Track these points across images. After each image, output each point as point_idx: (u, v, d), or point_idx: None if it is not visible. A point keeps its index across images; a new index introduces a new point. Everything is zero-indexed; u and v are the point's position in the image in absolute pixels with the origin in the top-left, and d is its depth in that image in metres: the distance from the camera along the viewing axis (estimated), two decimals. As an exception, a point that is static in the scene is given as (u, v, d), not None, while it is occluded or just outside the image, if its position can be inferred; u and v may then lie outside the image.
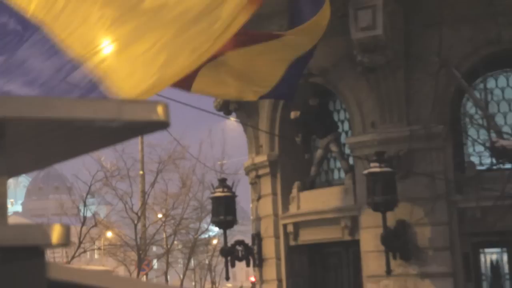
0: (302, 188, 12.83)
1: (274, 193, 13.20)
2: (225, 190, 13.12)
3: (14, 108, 1.58)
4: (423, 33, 11.40)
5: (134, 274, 28.32)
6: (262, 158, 13.32)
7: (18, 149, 1.84)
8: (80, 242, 27.81)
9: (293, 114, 12.49)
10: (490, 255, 11.81)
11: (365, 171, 11.17)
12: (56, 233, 1.66)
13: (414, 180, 11.30)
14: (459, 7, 11.25)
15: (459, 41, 11.28)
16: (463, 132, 11.86)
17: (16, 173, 2.03)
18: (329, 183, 12.92)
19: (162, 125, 1.74)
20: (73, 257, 29.03)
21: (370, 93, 11.68)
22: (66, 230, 1.70)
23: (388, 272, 11.15)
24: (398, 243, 11.21)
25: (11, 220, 2.06)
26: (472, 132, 11.76)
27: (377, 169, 10.98)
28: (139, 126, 1.73)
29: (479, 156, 11.66)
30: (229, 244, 13.30)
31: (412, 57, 11.44)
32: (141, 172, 29.00)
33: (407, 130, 11.41)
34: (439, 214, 11.23)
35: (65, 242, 1.68)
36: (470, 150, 11.88)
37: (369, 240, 11.56)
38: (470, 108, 11.86)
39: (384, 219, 11.03)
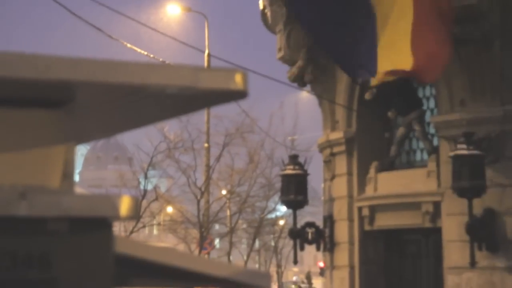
0: (380, 169, 12.75)
1: (349, 173, 13.16)
2: (296, 167, 13.14)
3: (85, 71, 1.62)
4: (523, 2, 11.12)
5: (195, 253, 28.70)
6: (338, 135, 13.27)
7: (87, 114, 1.88)
8: (139, 217, 28.28)
9: (368, 94, 12.33)
10: None
11: (451, 153, 11.02)
12: (124, 205, 1.71)
13: (505, 165, 11.10)
14: None
15: None
16: (563, 114, 11.56)
17: (84, 140, 2.09)
18: (410, 165, 12.80)
19: (240, 95, 1.75)
20: (131, 232, 29.60)
21: (460, 68, 11.47)
22: (135, 203, 1.75)
23: (472, 264, 11.02)
24: (484, 233, 11.05)
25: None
26: None
27: (465, 152, 10.82)
28: (215, 95, 1.75)
29: None
30: (298, 226, 13.35)
31: (510, 30, 11.18)
32: (206, 145, 29.22)
33: (501, 109, 11.18)
34: (531, 204, 11.01)
35: (134, 214, 1.73)
36: None
37: (452, 229, 11.43)
38: None
39: (470, 206, 10.88)
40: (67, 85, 1.62)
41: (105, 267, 1.74)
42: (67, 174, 1.85)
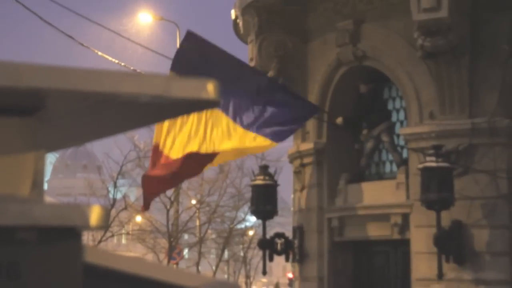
0: (350, 180, 12.80)
1: (319, 184, 13.19)
2: (266, 178, 13.14)
3: (56, 78, 1.60)
4: (492, 17, 11.24)
5: (164, 263, 28.56)
6: (308, 146, 13.30)
7: (58, 122, 1.87)
8: (108, 226, 28.12)
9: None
10: (553, 264, 11.66)
11: (420, 165, 11.09)
12: (94, 215, 1.69)
13: (473, 178, 11.19)
14: (534, -10, 11.08)
15: (531, 28, 11.10)
16: (530, 128, 11.69)
17: (55, 148, 2.07)
18: (379, 176, 12.87)
19: (212, 104, 1.75)
20: (100, 241, 29.40)
21: (430, 80, 11.57)
22: (105, 212, 1.73)
23: (440, 276, 11.08)
24: (452, 245, 11.12)
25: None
26: (540, 128, 11.59)
27: (434, 164, 10.89)
28: (187, 104, 1.75)
29: (547, 155, 11.50)
30: (267, 236, 13.34)
31: (479, 43, 11.30)
32: (176, 154, 29.10)
33: (469, 123, 11.29)
34: (499, 216, 11.11)
35: (104, 224, 1.72)
36: (538, 148, 11.71)
37: (421, 240, 11.50)
38: (539, 102, 11.68)
39: (438, 218, 10.95)
40: (38, 93, 1.61)
41: (73, 277, 1.72)
42: (37, 183, 1.83)
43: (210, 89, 1.70)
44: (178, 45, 28.25)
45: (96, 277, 2.07)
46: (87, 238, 34.45)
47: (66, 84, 1.62)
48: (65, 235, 1.69)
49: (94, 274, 2.04)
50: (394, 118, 12.80)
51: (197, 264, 33.79)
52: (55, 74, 1.62)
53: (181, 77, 1.68)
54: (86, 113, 1.84)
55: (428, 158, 10.99)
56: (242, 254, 42.50)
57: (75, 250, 1.72)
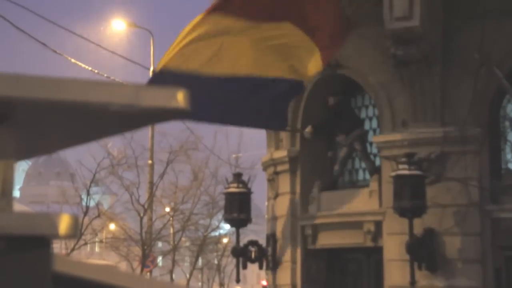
0: (323, 188, 12.84)
1: (292, 192, 13.21)
2: (240, 185, 13.15)
3: (23, 88, 1.60)
4: (464, 26, 11.35)
5: (138, 271, 28.45)
6: (281, 154, 13.33)
7: (26, 131, 1.86)
8: (81, 234, 27.93)
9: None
10: (524, 271, 11.77)
11: (393, 173, 11.16)
12: (64, 223, 1.68)
13: (445, 186, 11.27)
14: None
15: (502, 37, 11.22)
16: (501, 137, 11.80)
17: (24, 156, 2.06)
18: (352, 184, 12.92)
19: (181, 113, 1.76)
20: (73, 249, 29.21)
21: (402, 89, 11.64)
22: (75, 221, 1.73)
23: (412, 283, 11.13)
24: (424, 252, 11.19)
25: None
26: (511, 136, 11.71)
27: (406, 172, 10.96)
28: (157, 113, 1.75)
29: (518, 163, 11.61)
30: (241, 244, 13.34)
31: (450, 52, 11.40)
32: (150, 162, 29.03)
33: (441, 131, 11.37)
34: (471, 224, 11.19)
35: (73, 233, 1.71)
36: (509, 156, 11.83)
37: (393, 248, 11.55)
38: (511, 110, 11.80)
39: (411, 226, 11.02)
40: (6, 102, 1.60)
41: (43, 286, 1.72)
42: (5, 192, 1.82)
43: (180, 98, 1.71)
44: (152, 53, 28.22)
45: (66, 286, 2.06)
46: (60, 246, 34.23)
47: (34, 93, 1.62)
48: (34, 244, 1.69)
49: (64, 283, 2.03)
50: (367, 126, 12.86)
51: (171, 272, 33.67)
52: (23, 82, 1.62)
53: (150, 87, 1.69)
54: (55, 122, 1.83)
55: (400, 166, 11.05)
56: (216, 262, 42.43)
57: (45, 259, 1.72)
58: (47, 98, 1.63)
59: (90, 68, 11.80)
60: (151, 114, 1.75)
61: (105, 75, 11.56)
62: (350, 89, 12.80)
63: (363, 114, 12.97)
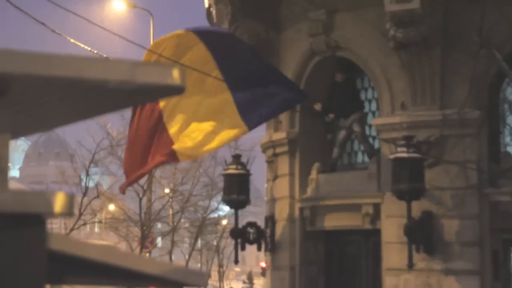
0: (322, 170, 12.83)
1: (291, 174, 13.20)
2: (239, 167, 13.13)
3: (20, 64, 1.58)
4: (464, 9, 11.30)
5: (137, 252, 28.49)
6: (280, 135, 13.31)
7: (22, 108, 1.84)
8: (80, 214, 27.97)
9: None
10: (521, 254, 11.78)
11: (391, 156, 11.14)
12: (59, 202, 1.67)
13: (443, 169, 11.27)
14: (506, -17, 11.14)
15: (503, 20, 11.17)
16: (500, 120, 11.78)
17: (19, 133, 2.04)
18: (351, 167, 12.91)
19: (177, 90, 1.74)
20: (72, 229, 29.25)
21: (401, 71, 11.61)
22: (70, 199, 1.72)
23: (410, 266, 11.15)
24: (422, 235, 11.20)
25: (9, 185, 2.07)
26: (510, 120, 11.68)
27: (405, 155, 10.94)
28: (153, 89, 1.73)
29: (517, 147, 11.60)
30: (240, 226, 13.35)
31: (451, 35, 11.36)
32: (149, 143, 29.01)
33: (440, 114, 11.35)
34: (469, 207, 11.20)
35: (69, 211, 1.70)
36: (508, 139, 11.81)
37: (391, 230, 11.56)
38: (510, 93, 11.77)
39: (409, 208, 11.02)
40: (1, 77, 1.58)
41: (38, 264, 1.71)
42: (0, 169, 1.81)
43: (175, 75, 1.69)
44: (151, 33, 28.14)
45: (62, 264, 2.05)
46: (59, 226, 34.30)
47: (31, 69, 1.60)
48: (29, 222, 1.68)
49: (60, 261, 2.02)
50: (366, 108, 12.83)
51: (170, 253, 33.76)
52: (20, 59, 1.60)
53: (146, 63, 1.67)
54: (52, 98, 1.82)
55: (399, 149, 11.03)
56: (215, 243, 42.52)
57: (39, 237, 1.71)
58: (43, 74, 1.61)
59: (89, 48, 11.77)
60: (147, 91, 1.74)
61: (104, 55, 11.50)
62: (349, 72, 12.76)
63: (362, 96, 12.94)
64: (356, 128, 12.58)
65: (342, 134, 12.84)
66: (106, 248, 2.13)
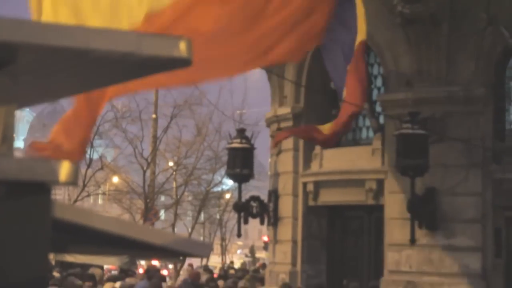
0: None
1: (295, 149, 13.21)
2: (243, 141, 13.15)
3: (26, 32, 1.59)
4: (471, -15, 11.23)
5: (140, 223, 28.58)
6: (285, 110, 13.30)
7: (29, 77, 1.86)
8: (84, 185, 28.03)
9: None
10: (524, 232, 11.81)
11: (396, 132, 11.14)
12: (64, 171, 1.69)
13: (448, 145, 11.26)
14: (514, -40, 11.06)
15: (510, -3, 11.11)
16: (506, 97, 11.76)
17: (26, 103, 2.05)
18: (355, 142, 12.91)
19: (184, 63, 1.74)
20: (76, 200, 29.32)
21: (408, 47, 11.57)
22: (75, 168, 1.73)
23: (412, 241, 11.19)
24: (425, 211, 11.22)
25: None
26: (516, 98, 11.67)
27: (409, 131, 10.93)
28: (159, 62, 1.74)
29: (522, 125, 11.59)
30: (243, 199, 13.39)
31: (457, 11, 11.30)
32: (154, 116, 29.03)
33: (445, 90, 11.32)
34: (472, 184, 11.21)
35: (73, 180, 1.71)
36: (513, 117, 11.80)
37: (394, 206, 11.59)
38: (516, 71, 11.74)
39: (413, 184, 11.03)
40: (8, 47, 1.60)
41: (42, 232, 1.73)
42: (6, 137, 1.82)
43: (182, 47, 1.69)
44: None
45: (66, 232, 2.07)
46: (64, 197, 34.40)
47: (36, 39, 1.61)
48: (34, 190, 1.69)
49: (64, 230, 2.04)
50: (372, 84, 12.80)
51: (173, 225, 33.84)
52: (25, 28, 1.60)
53: (152, 35, 1.67)
54: (57, 69, 1.83)
55: (404, 125, 11.02)
56: (218, 216, 42.61)
57: (44, 205, 1.72)
58: (49, 44, 1.62)
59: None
60: (153, 63, 1.75)
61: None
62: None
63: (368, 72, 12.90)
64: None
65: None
66: (110, 218, 2.15)
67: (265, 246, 36.31)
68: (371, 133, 12.66)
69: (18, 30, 1.59)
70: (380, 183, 11.95)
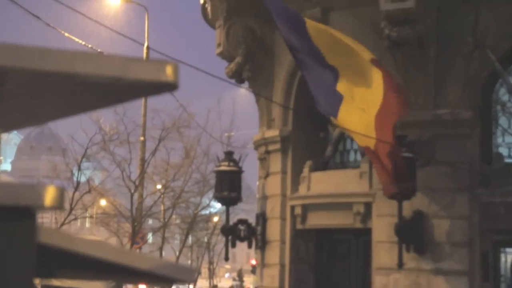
0: (314, 168, 12.84)
1: (283, 172, 13.21)
2: (231, 164, 13.15)
3: (12, 57, 1.58)
4: (458, 9, 11.32)
5: (127, 247, 28.46)
6: (273, 133, 13.31)
7: (14, 101, 1.85)
8: (71, 209, 27.91)
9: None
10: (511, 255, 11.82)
11: (384, 155, 11.13)
12: (49, 195, 1.67)
13: (435, 169, 11.29)
14: (500, -16, 11.16)
15: (496, 21, 11.20)
16: (493, 121, 11.82)
17: (11, 127, 2.04)
18: (343, 165, 12.92)
19: (171, 87, 1.74)
20: (62, 224, 29.19)
21: (395, 70, 11.61)
22: (61, 193, 1.72)
23: (400, 265, 11.18)
24: (412, 235, 11.22)
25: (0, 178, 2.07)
26: (503, 121, 11.72)
27: (397, 154, 10.93)
28: (145, 86, 1.73)
29: (509, 148, 11.63)
30: (231, 223, 13.35)
31: (445, 35, 11.38)
32: (142, 138, 28.98)
33: (432, 114, 11.37)
34: (459, 207, 11.22)
35: (59, 205, 1.70)
36: (499, 140, 11.85)
37: (382, 230, 11.58)
38: (503, 94, 11.80)
39: (400, 208, 11.04)
40: (-7, 71, 1.59)
41: (27, 257, 1.71)
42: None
43: (168, 71, 1.69)
44: (146, 28, 28.10)
45: (51, 258, 2.06)
46: (50, 221, 34.23)
47: (24, 63, 1.60)
48: (19, 214, 1.68)
49: (49, 255, 2.02)
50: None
51: (161, 249, 33.73)
52: (11, 52, 1.60)
53: (139, 59, 1.67)
54: (43, 93, 1.82)
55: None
56: (206, 240, 42.51)
57: (29, 230, 1.71)
58: (35, 68, 1.61)
59: (83, 43, 11.75)
60: (139, 87, 1.74)
61: (98, 50, 11.50)
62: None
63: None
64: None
65: (336, 132, 12.85)
66: (96, 242, 2.14)
67: (253, 270, 36.23)
68: (358, 156, 12.69)
69: (3, 54, 1.58)
70: (368, 206, 11.95)
